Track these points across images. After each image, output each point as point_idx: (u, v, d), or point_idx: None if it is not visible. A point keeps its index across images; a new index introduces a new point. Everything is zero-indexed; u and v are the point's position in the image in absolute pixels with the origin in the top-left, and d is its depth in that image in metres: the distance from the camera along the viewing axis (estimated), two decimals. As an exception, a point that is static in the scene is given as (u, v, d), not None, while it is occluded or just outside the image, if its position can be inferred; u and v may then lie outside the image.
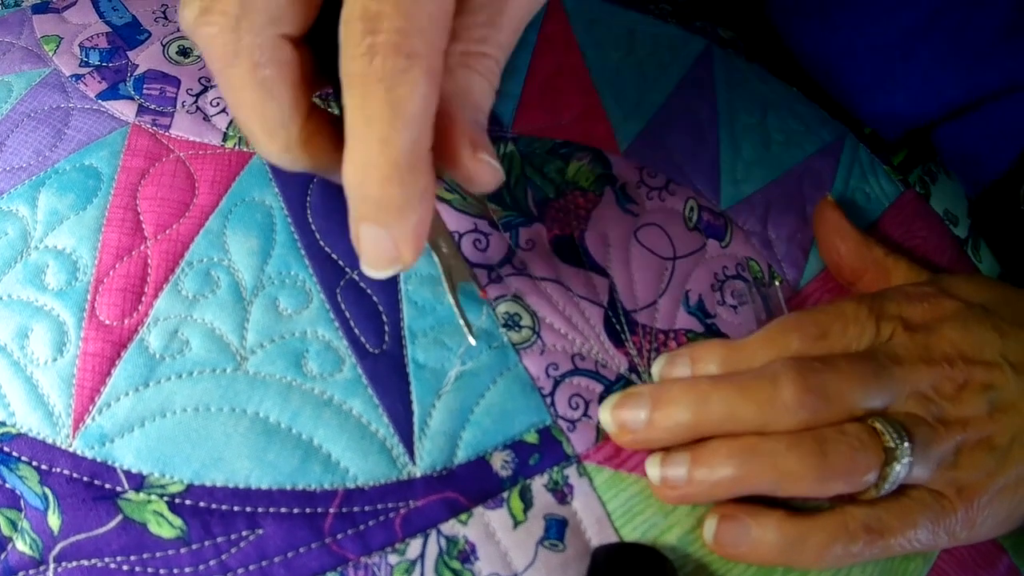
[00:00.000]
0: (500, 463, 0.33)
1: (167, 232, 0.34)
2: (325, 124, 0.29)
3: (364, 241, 0.28)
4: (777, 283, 0.39)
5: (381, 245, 0.28)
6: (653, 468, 0.32)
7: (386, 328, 0.34)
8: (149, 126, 0.36)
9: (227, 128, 0.37)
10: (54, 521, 0.30)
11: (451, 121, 0.28)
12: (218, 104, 0.38)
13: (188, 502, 0.31)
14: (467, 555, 0.31)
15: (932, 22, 0.46)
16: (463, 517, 0.32)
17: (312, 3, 0.27)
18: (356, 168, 0.26)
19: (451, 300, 0.33)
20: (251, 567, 0.30)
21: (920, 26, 0.47)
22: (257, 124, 0.28)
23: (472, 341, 0.33)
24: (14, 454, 0.31)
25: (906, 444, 0.31)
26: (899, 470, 0.31)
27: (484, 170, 0.29)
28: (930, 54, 0.47)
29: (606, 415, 0.33)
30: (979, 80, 0.46)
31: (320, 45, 0.28)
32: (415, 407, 0.33)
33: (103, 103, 0.37)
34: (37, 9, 0.40)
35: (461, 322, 0.32)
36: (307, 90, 0.28)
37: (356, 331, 0.33)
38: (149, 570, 0.30)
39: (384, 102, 0.25)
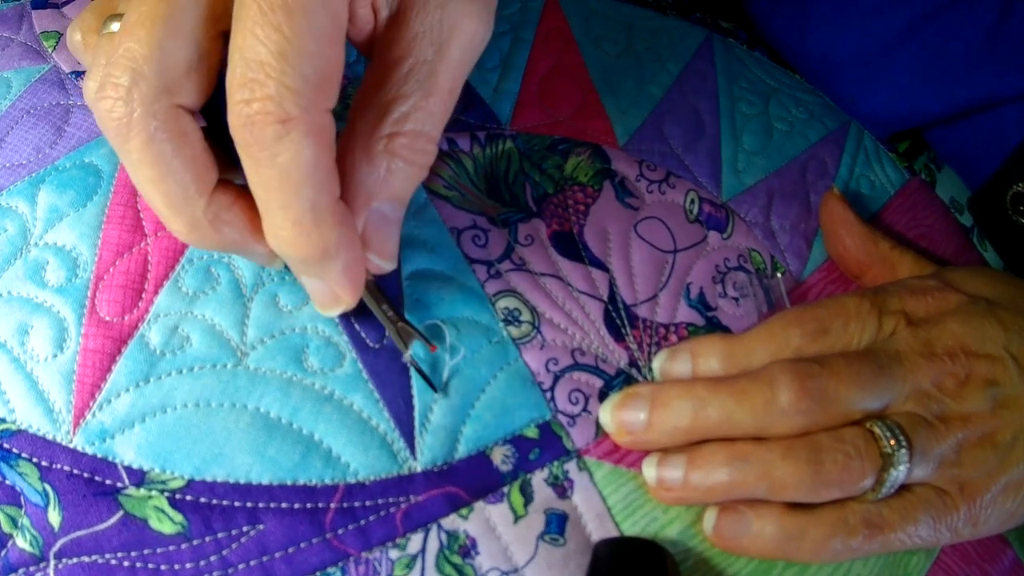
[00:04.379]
0: (500, 458, 0.33)
1: (167, 230, 0.34)
2: (237, 201, 0.29)
3: (307, 288, 0.30)
4: (779, 274, 0.39)
5: (321, 291, 0.30)
6: (650, 469, 0.32)
7: (386, 323, 0.34)
8: (149, 122, 0.36)
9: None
10: (54, 517, 0.30)
11: (351, 211, 0.28)
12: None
13: (189, 498, 0.31)
14: (468, 550, 0.31)
15: (910, 32, 0.46)
16: (464, 512, 0.32)
17: (208, 71, 0.27)
18: (268, 233, 0.27)
19: (408, 360, 0.33)
20: (252, 562, 0.30)
21: (898, 35, 0.47)
22: (160, 201, 0.27)
23: (436, 394, 0.33)
24: (14, 450, 0.31)
25: (903, 450, 0.30)
26: (896, 475, 0.31)
27: (369, 265, 0.30)
28: (909, 64, 0.47)
29: (606, 415, 0.33)
30: (960, 92, 0.46)
31: (220, 116, 0.27)
32: (416, 402, 0.33)
33: (103, 100, 0.37)
34: (36, 4, 0.40)
35: (422, 378, 0.33)
36: (212, 165, 0.28)
37: (356, 326, 0.33)
38: (150, 566, 0.30)
39: (270, 170, 0.25)
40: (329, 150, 0.26)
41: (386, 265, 0.31)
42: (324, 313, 0.32)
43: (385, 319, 0.32)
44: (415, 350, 0.33)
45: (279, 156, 0.25)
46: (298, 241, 0.27)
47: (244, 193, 0.28)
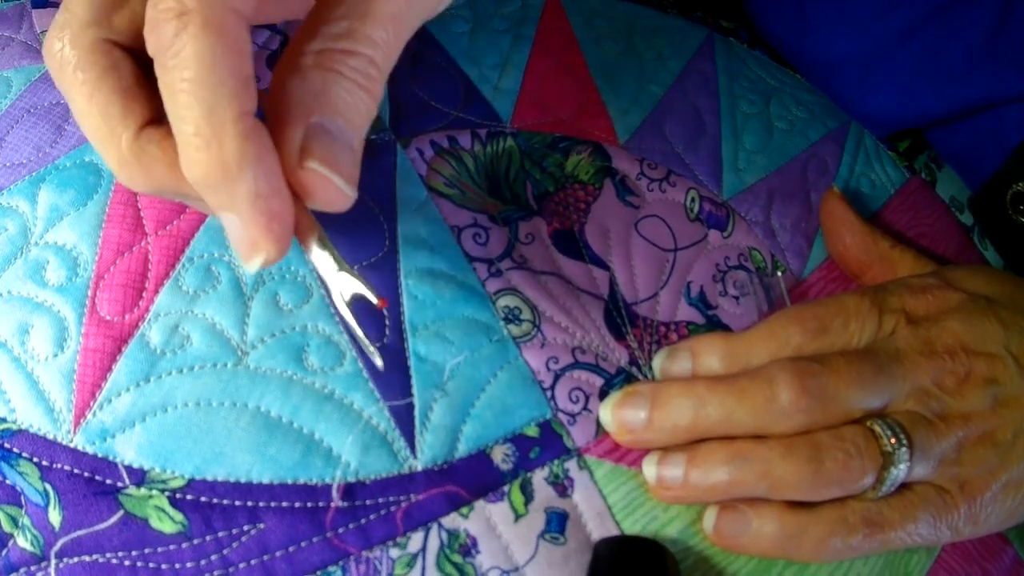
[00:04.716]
0: (501, 456, 0.33)
1: (167, 228, 0.34)
2: (168, 138, 0.26)
3: (227, 231, 0.26)
4: (780, 273, 0.39)
5: (237, 232, 0.26)
6: (650, 467, 0.32)
7: (386, 322, 0.34)
8: (149, 121, 0.36)
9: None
10: (55, 517, 0.30)
11: (280, 122, 0.25)
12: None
13: (189, 497, 0.31)
14: (468, 548, 0.31)
15: (911, 32, 0.46)
16: (464, 510, 0.32)
17: (134, 6, 0.27)
18: (180, 153, 0.25)
19: (344, 316, 0.28)
20: (252, 561, 0.30)
21: (898, 36, 0.47)
22: (88, 133, 0.27)
23: (378, 363, 0.29)
24: (15, 450, 0.31)
25: (904, 448, 0.31)
26: (896, 474, 0.31)
27: (315, 183, 0.26)
28: (909, 64, 0.47)
29: (606, 414, 0.33)
30: (960, 93, 0.46)
31: None
32: (416, 401, 0.33)
33: (103, 98, 0.37)
34: (36, 3, 0.40)
35: (362, 341, 0.29)
36: (143, 100, 0.27)
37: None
38: (150, 565, 0.30)
39: (171, 73, 0.24)
40: (235, 52, 0.24)
41: (338, 180, 0.26)
42: (245, 266, 0.27)
43: (328, 269, 0.28)
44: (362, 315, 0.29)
45: (179, 54, 0.23)
46: (197, 155, 0.24)
47: None
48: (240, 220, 0.25)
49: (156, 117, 0.27)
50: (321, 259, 0.28)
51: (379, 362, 0.29)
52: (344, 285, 0.28)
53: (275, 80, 0.26)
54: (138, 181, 0.27)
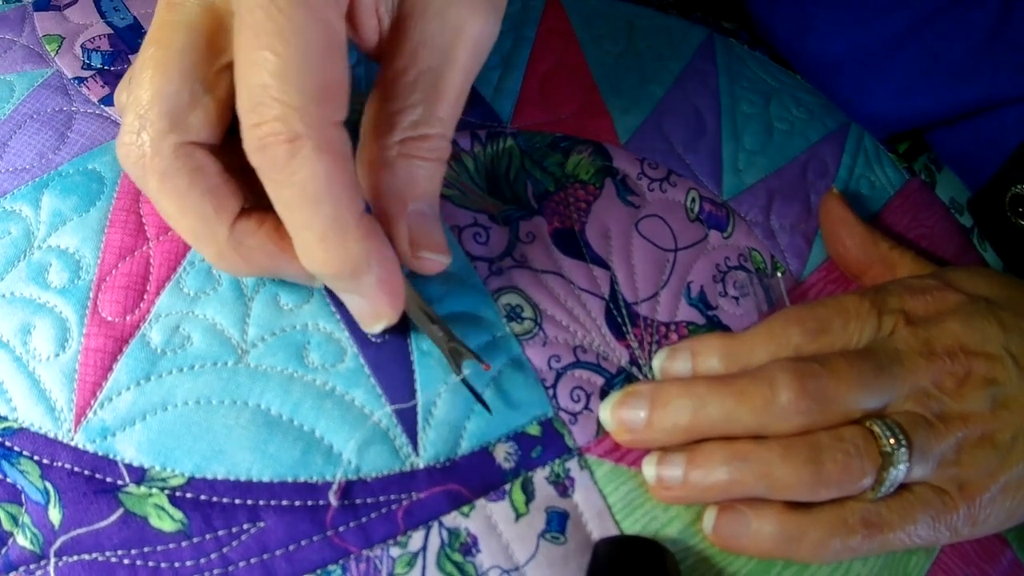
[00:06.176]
0: (503, 455, 0.33)
1: (169, 234, 0.34)
2: (264, 225, 0.29)
3: (349, 307, 0.31)
4: (779, 274, 0.39)
5: (361, 307, 0.30)
6: (649, 467, 0.32)
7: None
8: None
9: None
10: (55, 515, 0.30)
11: (388, 219, 0.29)
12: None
13: (189, 495, 0.31)
14: (469, 547, 0.31)
15: (910, 33, 0.47)
16: (465, 509, 0.32)
17: (218, 104, 0.27)
18: (299, 253, 0.27)
19: (462, 381, 0.32)
20: (252, 560, 0.30)
21: (898, 37, 0.47)
22: (184, 233, 0.28)
23: (489, 412, 0.33)
24: (15, 448, 0.31)
25: (903, 449, 0.31)
26: (895, 474, 0.31)
27: (425, 265, 0.31)
28: (909, 65, 0.47)
29: (606, 414, 0.33)
30: (959, 94, 0.46)
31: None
32: (419, 396, 0.33)
33: (106, 108, 0.37)
34: (38, 6, 0.40)
35: (478, 400, 0.32)
36: (233, 194, 0.28)
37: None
38: (150, 564, 0.30)
39: (289, 190, 0.25)
40: (343, 163, 0.26)
41: (442, 258, 0.31)
42: (369, 331, 0.32)
43: (436, 338, 0.32)
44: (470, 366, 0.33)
45: (295, 175, 0.25)
46: (327, 258, 0.27)
47: (272, 216, 0.28)
48: (364, 300, 0.29)
49: (243, 206, 0.29)
50: (433, 331, 0.32)
51: (489, 411, 0.33)
52: (453, 351, 0.32)
53: (366, 173, 0.29)
54: (240, 268, 0.29)
